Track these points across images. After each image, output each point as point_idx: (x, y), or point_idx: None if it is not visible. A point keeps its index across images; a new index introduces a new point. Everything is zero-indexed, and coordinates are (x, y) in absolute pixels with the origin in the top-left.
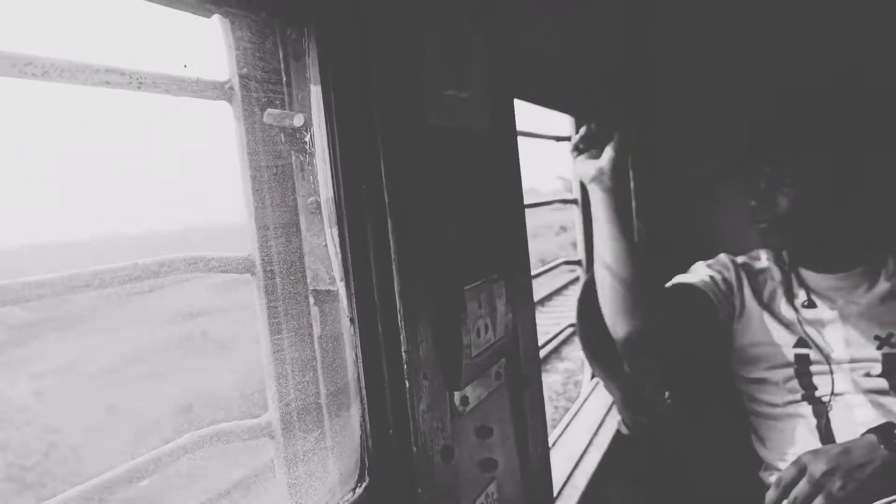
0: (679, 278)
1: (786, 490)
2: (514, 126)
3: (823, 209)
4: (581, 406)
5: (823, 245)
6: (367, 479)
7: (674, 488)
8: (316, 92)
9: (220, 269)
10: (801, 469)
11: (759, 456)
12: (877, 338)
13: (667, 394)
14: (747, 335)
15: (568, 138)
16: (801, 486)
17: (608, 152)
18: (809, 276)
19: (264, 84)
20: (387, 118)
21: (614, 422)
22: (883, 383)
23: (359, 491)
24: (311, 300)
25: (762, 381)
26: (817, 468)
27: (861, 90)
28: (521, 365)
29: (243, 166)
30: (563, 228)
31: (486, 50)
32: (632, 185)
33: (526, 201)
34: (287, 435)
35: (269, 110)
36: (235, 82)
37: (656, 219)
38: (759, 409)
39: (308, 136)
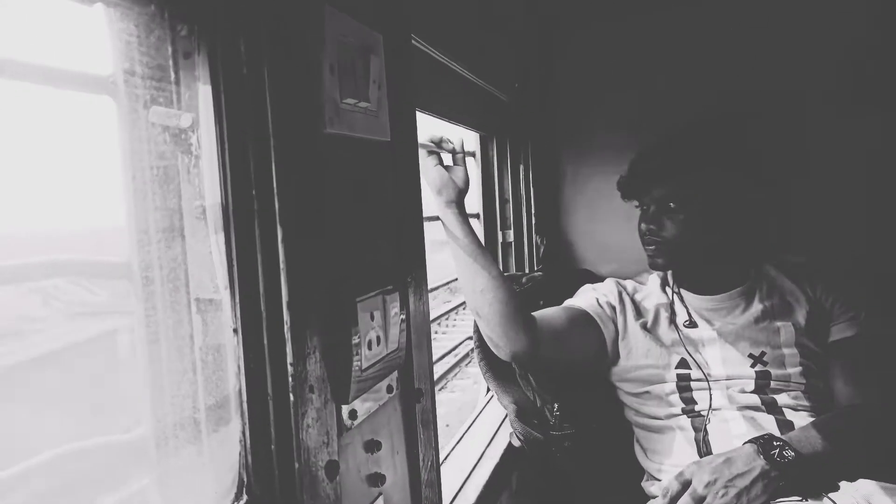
0: (567, 302)
1: (672, 501)
2: (416, 138)
3: (707, 233)
4: (475, 420)
5: (706, 268)
6: (246, 496)
7: (562, 498)
8: (205, 92)
9: (94, 273)
10: (685, 480)
11: (641, 466)
12: (751, 356)
13: (556, 406)
14: (632, 356)
15: (473, 154)
16: (685, 498)
17: (463, 173)
18: (691, 297)
19: (150, 80)
20: (281, 123)
21: (506, 434)
22: (755, 399)
23: None
24: (194, 309)
25: (645, 395)
26: (700, 479)
27: (744, 120)
28: (415, 378)
29: (124, 166)
30: None
31: (388, 61)
32: (532, 201)
33: (427, 213)
34: (161, 451)
35: (155, 108)
36: (119, 77)
37: (556, 236)
38: (641, 421)
39: (195, 138)
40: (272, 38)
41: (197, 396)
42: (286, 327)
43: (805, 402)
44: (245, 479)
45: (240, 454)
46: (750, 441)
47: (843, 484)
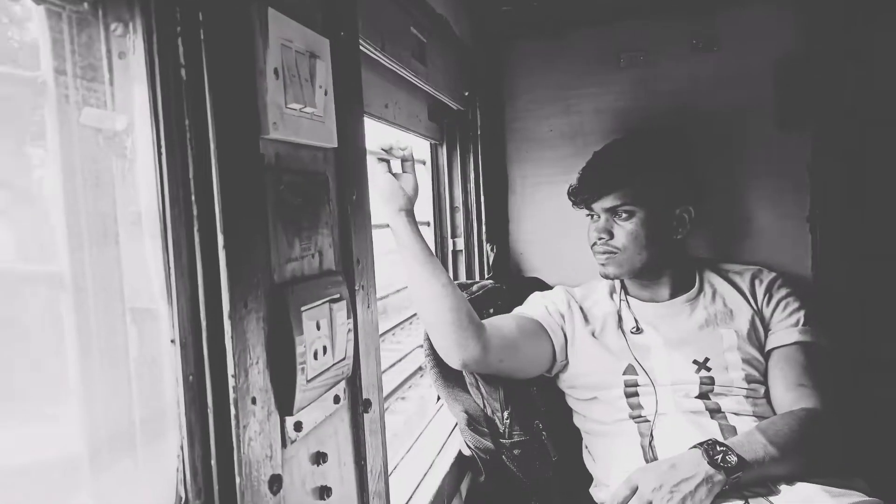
0: (516, 310)
1: None
2: (364, 145)
3: (653, 241)
4: (424, 429)
5: (652, 276)
6: None
7: None
8: (141, 93)
9: (24, 280)
10: (633, 487)
11: (589, 472)
12: (695, 362)
13: (506, 414)
14: (580, 363)
15: (423, 162)
16: (633, 503)
17: (413, 181)
18: (638, 305)
19: (81, 80)
20: (222, 128)
21: (457, 443)
22: (700, 404)
23: None
24: (129, 318)
25: (593, 401)
26: (647, 485)
27: (684, 132)
28: (363, 388)
29: (54, 169)
30: None
31: (336, 66)
32: (482, 209)
33: (376, 221)
34: (94, 466)
35: (87, 110)
36: (49, 77)
37: (505, 244)
38: (590, 426)
39: (130, 141)
40: (213, 41)
41: (132, 410)
42: (227, 337)
43: (747, 407)
44: (183, 495)
45: (178, 469)
46: (695, 446)
47: (783, 487)
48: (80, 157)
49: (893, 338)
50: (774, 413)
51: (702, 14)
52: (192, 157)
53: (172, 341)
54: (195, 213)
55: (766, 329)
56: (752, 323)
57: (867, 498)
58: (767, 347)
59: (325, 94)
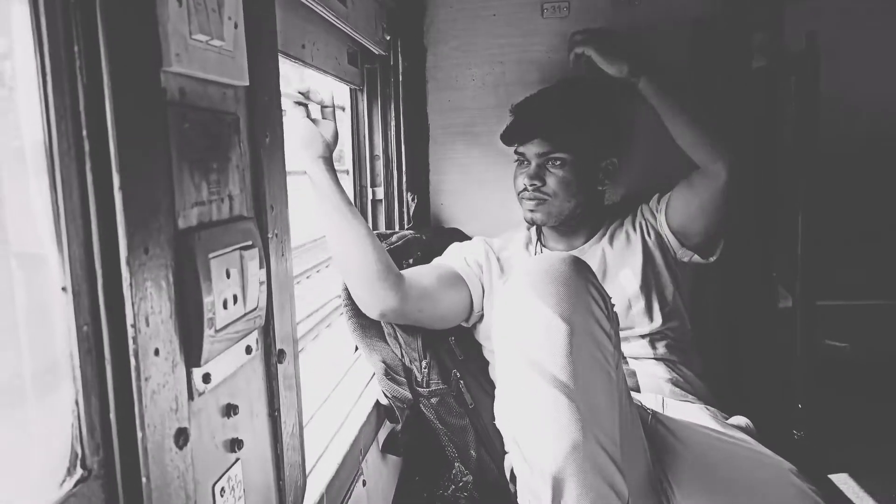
0: (436, 260)
1: None
2: (278, 85)
3: (583, 189)
4: (341, 379)
5: (573, 225)
6: (81, 470)
7: (428, 452)
8: (22, 14)
9: None
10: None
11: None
12: None
13: (423, 364)
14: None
15: (343, 108)
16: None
17: (332, 127)
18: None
19: None
20: (118, 57)
21: (374, 393)
22: None
23: (68, 485)
24: (14, 264)
25: None
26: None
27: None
28: (276, 338)
29: None
30: None
31: None
32: (402, 158)
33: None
34: None
35: None
36: None
37: (426, 194)
38: None
39: (10, 67)
40: None
41: (21, 362)
42: (125, 285)
43: (649, 351)
44: (80, 452)
45: (72, 425)
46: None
47: (670, 403)
48: None
49: (792, 290)
50: (674, 357)
51: None
52: (84, 88)
53: (64, 289)
54: (87, 149)
55: (660, 226)
56: (646, 254)
57: (741, 429)
58: (667, 212)
59: (235, 26)
